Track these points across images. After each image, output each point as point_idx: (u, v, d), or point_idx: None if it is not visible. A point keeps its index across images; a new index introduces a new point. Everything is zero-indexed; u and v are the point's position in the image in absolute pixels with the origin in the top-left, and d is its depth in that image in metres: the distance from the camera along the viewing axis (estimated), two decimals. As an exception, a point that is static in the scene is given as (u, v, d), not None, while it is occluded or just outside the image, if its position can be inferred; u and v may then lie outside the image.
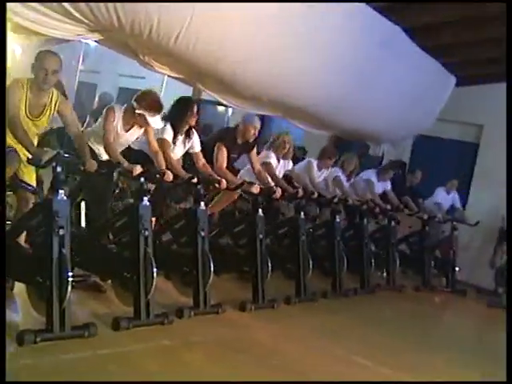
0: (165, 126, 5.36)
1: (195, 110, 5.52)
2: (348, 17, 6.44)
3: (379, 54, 7.07)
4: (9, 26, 4.67)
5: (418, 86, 8.23)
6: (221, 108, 11.19)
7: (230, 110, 11.03)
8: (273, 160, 6.67)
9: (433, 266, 8.34)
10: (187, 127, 5.54)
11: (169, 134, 5.39)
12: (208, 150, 5.88)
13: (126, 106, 5.00)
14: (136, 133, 5.10)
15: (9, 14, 4.48)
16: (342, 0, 6.26)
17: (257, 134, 6.17)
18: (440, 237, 8.95)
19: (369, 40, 6.82)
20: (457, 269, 8.38)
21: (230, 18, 5.38)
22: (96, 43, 5.63)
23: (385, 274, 7.51)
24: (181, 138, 5.56)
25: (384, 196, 8.33)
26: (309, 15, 5.96)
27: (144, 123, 4.93)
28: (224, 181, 5.22)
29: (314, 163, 7.58)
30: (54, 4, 4.54)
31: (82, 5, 4.58)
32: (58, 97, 4.26)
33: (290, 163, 7.05)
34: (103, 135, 4.80)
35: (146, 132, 5.10)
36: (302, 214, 5.90)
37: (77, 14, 4.64)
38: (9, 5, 4.41)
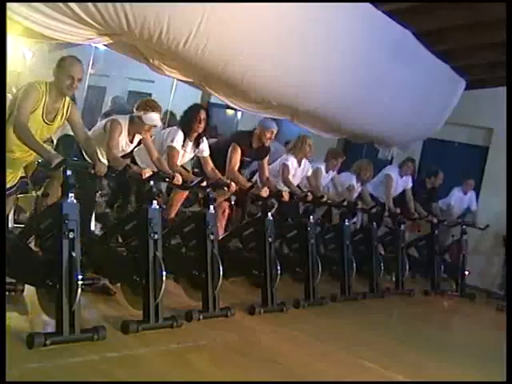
0: (176, 132, 5.46)
1: (202, 116, 5.53)
2: (358, 20, 6.44)
3: (389, 57, 7.06)
4: (18, 29, 4.70)
5: (428, 89, 8.22)
6: (230, 111, 11.20)
7: (240, 114, 11.04)
8: (291, 163, 6.76)
9: (442, 270, 8.31)
10: (196, 134, 5.58)
11: (178, 141, 5.45)
12: (218, 154, 5.91)
13: (129, 116, 5.08)
14: (136, 141, 5.21)
15: (18, 18, 4.51)
16: (352, 1, 6.26)
17: (273, 138, 6.26)
18: (449, 241, 8.93)
19: (379, 44, 6.82)
20: (466, 273, 8.34)
21: (239, 22, 5.39)
22: (105, 47, 5.65)
23: (394, 278, 7.48)
24: (190, 144, 5.61)
25: (402, 196, 8.36)
26: (319, 18, 5.96)
27: (142, 127, 4.98)
28: (233, 184, 5.24)
29: (323, 169, 7.62)
30: (64, 8, 4.56)
31: (92, 8, 4.60)
32: (69, 102, 4.29)
33: (310, 168, 7.09)
34: (107, 152, 4.84)
35: (143, 140, 5.16)
36: (311, 217, 5.89)
37: (86, 18, 4.66)
38: (17, 8, 4.44)
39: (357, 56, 6.69)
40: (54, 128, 4.29)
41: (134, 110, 5.03)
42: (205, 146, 5.73)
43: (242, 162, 6.11)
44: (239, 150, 6.02)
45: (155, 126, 5.09)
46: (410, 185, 8.47)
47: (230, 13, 5.23)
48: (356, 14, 6.36)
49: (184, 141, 5.51)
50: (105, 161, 5.00)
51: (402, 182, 8.42)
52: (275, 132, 6.23)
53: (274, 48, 5.86)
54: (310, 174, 7.11)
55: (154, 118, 5.00)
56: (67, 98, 4.27)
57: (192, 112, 5.59)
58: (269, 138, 6.17)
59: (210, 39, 5.29)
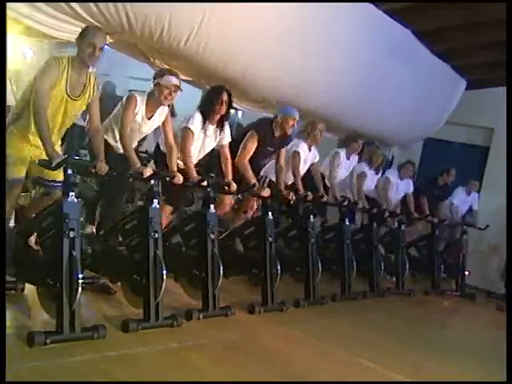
0: (194, 114, 5.20)
1: (224, 98, 5.19)
2: (358, 20, 6.45)
3: (389, 57, 7.08)
4: (19, 28, 4.70)
5: (428, 89, 8.23)
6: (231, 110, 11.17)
7: (240, 113, 11.02)
8: (302, 150, 6.54)
9: (442, 269, 8.31)
10: (218, 117, 5.29)
11: (195, 124, 5.16)
12: (237, 142, 5.74)
13: (147, 92, 4.86)
14: (157, 120, 4.95)
15: (19, 17, 4.51)
16: (352, 1, 6.26)
17: (296, 125, 6.08)
18: (450, 240, 8.93)
19: (379, 43, 6.83)
20: (466, 273, 8.34)
21: (240, 21, 5.40)
22: (106, 46, 5.64)
23: (394, 278, 7.48)
24: (212, 128, 5.31)
25: (403, 200, 8.40)
26: (319, 18, 5.97)
27: (162, 92, 4.74)
28: (234, 184, 5.19)
29: (341, 153, 7.57)
30: (65, 7, 4.57)
31: (93, 7, 4.61)
32: (95, 79, 4.16)
33: (317, 155, 6.87)
34: (120, 126, 4.70)
35: (164, 124, 4.98)
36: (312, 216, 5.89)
37: (87, 17, 4.67)
38: (19, 7, 4.44)
39: (357, 56, 6.70)
40: (79, 105, 4.12)
41: (152, 86, 4.81)
42: (227, 132, 5.44)
43: (261, 151, 5.89)
44: (256, 139, 5.80)
45: (176, 88, 4.78)
46: (411, 189, 8.44)
47: (230, 12, 5.24)
48: (356, 13, 6.37)
49: (204, 124, 5.23)
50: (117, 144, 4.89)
51: (402, 186, 8.39)
52: (297, 119, 6.01)
53: (274, 48, 5.87)
54: (316, 160, 6.85)
55: (172, 79, 4.75)
56: (93, 74, 4.14)
57: (214, 93, 5.28)
58: (291, 125, 5.96)
59: (211, 38, 5.30)
